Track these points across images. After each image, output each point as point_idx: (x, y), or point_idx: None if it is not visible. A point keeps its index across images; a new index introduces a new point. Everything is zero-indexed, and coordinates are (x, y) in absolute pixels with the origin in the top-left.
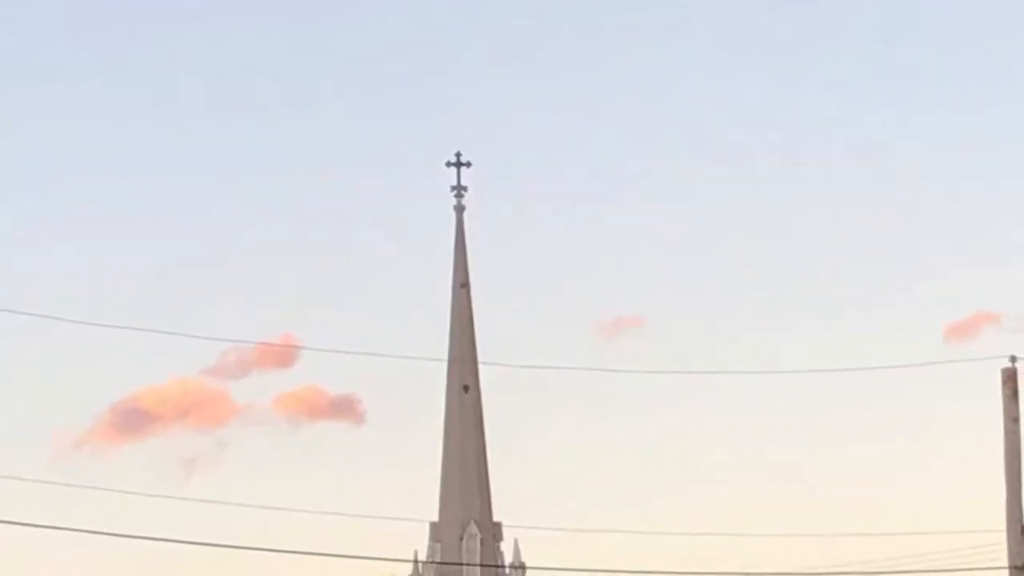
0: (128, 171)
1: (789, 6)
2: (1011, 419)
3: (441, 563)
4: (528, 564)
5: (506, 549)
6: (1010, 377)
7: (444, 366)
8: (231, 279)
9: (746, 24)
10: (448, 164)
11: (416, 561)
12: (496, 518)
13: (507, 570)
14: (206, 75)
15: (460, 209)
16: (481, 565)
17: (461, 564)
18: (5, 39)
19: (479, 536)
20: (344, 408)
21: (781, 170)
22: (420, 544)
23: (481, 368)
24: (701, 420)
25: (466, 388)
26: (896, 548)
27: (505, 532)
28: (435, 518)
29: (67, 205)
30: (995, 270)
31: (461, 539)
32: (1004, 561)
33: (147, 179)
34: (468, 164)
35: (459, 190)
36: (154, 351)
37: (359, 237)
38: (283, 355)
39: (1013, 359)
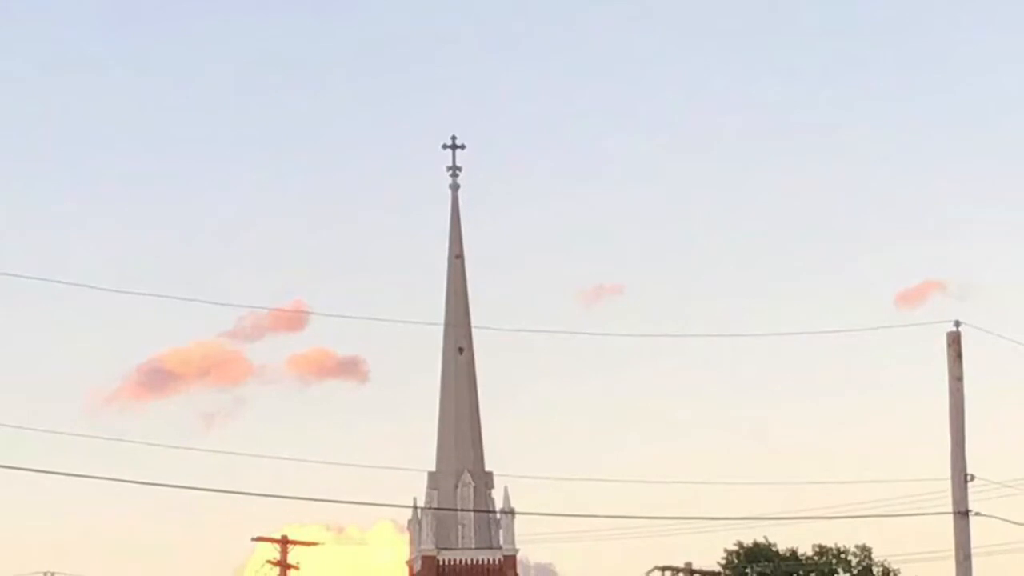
0: (154, 153)
1: (749, 3)
2: (955, 378)
3: (438, 509)
4: (517, 509)
5: (497, 496)
6: (955, 340)
7: (440, 330)
8: (247, 251)
9: (710, 19)
10: (444, 146)
11: (415, 507)
12: (488, 468)
13: (498, 515)
14: (225, 66)
15: (455, 187)
16: (474, 511)
17: (456, 509)
18: (45, 32)
19: (472, 484)
20: (350, 368)
21: (745, 151)
22: (419, 491)
23: (474, 332)
24: (674, 378)
25: (461, 350)
26: (850, 495)
27: (496, 480)
28: (432, 468)
29: (99, 182)
30: (942, 242)
31: (456, 487)
32: (949, 507)
33: (172, 160)
34: (463, 146)
35: (454, 170)
36: (177, 316)
37: (363, 213)
38: (294, 320)
39: (957, 324)
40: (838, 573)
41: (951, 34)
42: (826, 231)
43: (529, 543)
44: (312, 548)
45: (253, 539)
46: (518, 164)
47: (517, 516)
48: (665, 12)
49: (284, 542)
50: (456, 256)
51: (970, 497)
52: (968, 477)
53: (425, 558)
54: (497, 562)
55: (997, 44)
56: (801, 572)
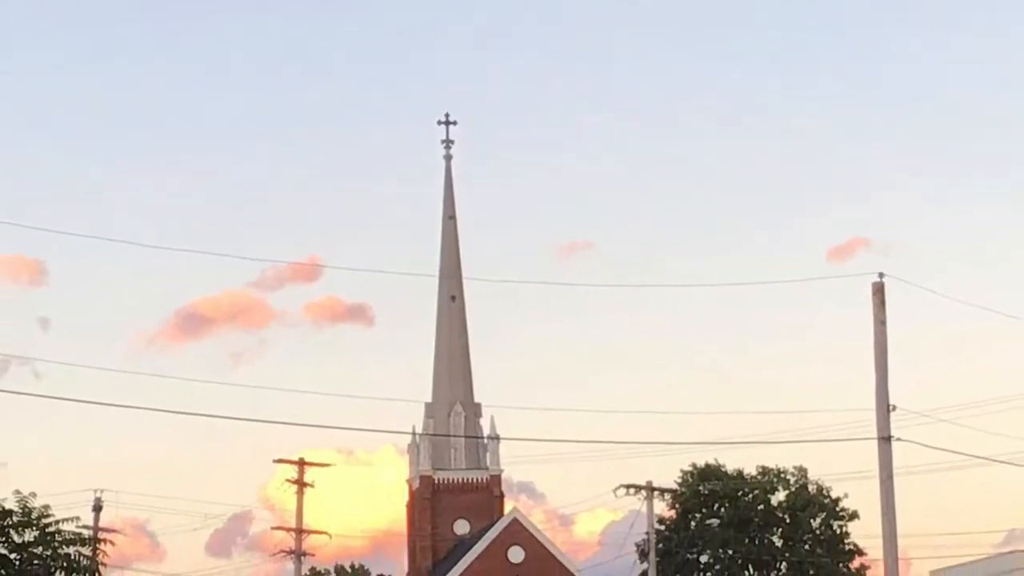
0: (191, 129)
1: (708, 0)
2: (879, 322)
3: (433, 435)
4: (502, 435)
5: (484, 423)
6: (879, 289)
7: (436, 280)
8: (270, 212)
9: (673, 13)
10: (439, 122)
11: (414, 433)
12: (477, 399)
13: (485, 440)
14: (247, 51)
15: (448, 158)
16: (465, 436)
17: (449, 435)
18: (95, 25)
19: (463, 414)
20: (358, 313)
21: (700, 127)
22: (417, 420)
23: (465, 282)
24: (638, 323)
25: (453, 298)
26: (790, 422)
27: (484, 410)
28: (429, 399)
29: (141, 152)
30: (867, 205)
31: (449, 416)
32: (874, 433)
33: (205, 135)
34: (455, 123)
35: (448, 143)
36: (210, 268)
37: (370, 179)
38: (310, 272)
39: (881, 275)
40: (778, 490)
41: (879, 27)
42: (768, 195)
43: (512, 464)
44: (325, 468)
45: (274, 461)
46: (503, 138)
47: (502, 441)
48: (634, 7)
49: (301, 463)
50: (449, 217)
51: (892, 424)
52: (891, 407)
53: (423, 477)
54: (484, 480)
55: (918, 35)
56: (746, 489)
